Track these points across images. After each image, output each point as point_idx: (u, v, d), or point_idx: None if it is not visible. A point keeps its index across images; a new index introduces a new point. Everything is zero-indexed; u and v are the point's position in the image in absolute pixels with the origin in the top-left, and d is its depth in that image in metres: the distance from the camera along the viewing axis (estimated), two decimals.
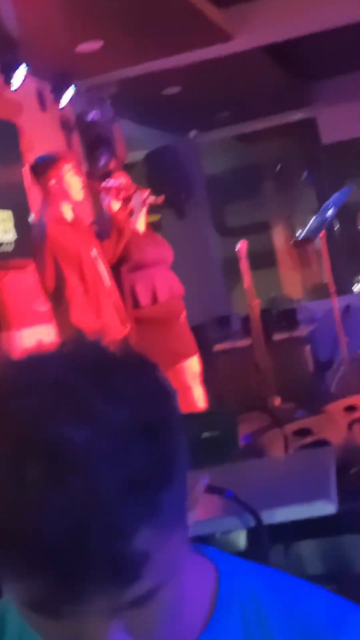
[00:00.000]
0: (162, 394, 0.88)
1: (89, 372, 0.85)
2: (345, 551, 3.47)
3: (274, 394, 6.59)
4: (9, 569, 0.82)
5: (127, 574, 0.81)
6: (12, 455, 0.81)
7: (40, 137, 7.03)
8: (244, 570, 1.04)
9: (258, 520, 2.34)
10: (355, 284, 10.35)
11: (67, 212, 5.33)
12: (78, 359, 0.87)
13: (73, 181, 5.31)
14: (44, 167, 5.33)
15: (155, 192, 6.26)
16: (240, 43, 7.10)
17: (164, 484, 0.83)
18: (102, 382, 0.84)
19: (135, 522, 0.81)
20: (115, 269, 5.64)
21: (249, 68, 7.98)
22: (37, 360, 0.89)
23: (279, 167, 11.03)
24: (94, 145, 7.58)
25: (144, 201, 5.88)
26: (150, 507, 0.82)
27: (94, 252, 5.35)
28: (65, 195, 5.28)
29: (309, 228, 6.52)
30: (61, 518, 0.78)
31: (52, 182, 5.27)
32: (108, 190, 5.86)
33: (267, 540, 2.35)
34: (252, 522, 2.40)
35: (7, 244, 6.15)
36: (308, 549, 3.39)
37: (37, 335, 6.03)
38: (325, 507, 2.47)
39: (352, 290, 10.25)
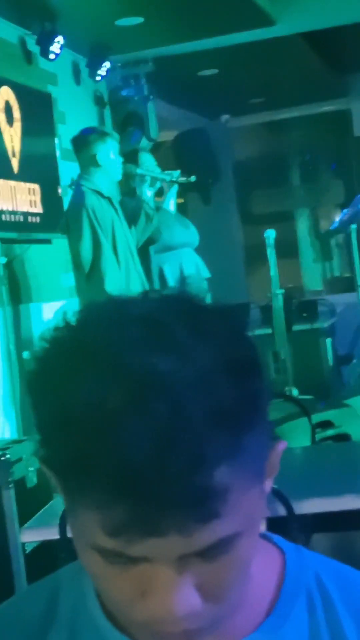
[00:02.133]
0: (248, 339, 0.87)
1: (175, 310, 0.85)
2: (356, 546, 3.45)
3: (292, 384, 6.56)
4: (88, 496, 0.81)
5: (205, 508, 0.80)
6: (96, 381, 0.80)
7: (73, 110, 6.98)
8: (311, 558, 1.03)
9: (290, 510, 2.30)
10: None
11: (104, 187, 5.31)
12: (163, 300, 0.88)
13: (115, 159, 5.31)
14: (90, 139, 5.30)
15: (184, 174, 6.23)
16: (282, 28, 7.02)
17: (247, 424, 0.82)
18: (189, 319, 0.84)
19: (217, 456, 0.79)
20: (141, 249, 5.62)
21: (287, 55, 7.92)
22: (123, 300, 0.89)
23: (307, 157, 10.96)
24: (126, 122, 7.54)
25: (175, 181, 5.85)
26: (232, 444, 0.80)
27: (125, 229, 5.33)
28: (106, 170, 5.27)
29: (341, 219, 6.47)
30: (143, 444, 0.78)
31: (96, 155, 5.24)
32: (143, 176, 5.82)
33: (297, 531, 2.31)
34: (280, 512, 2.36)
35: (33, 216, 6.10)
36: (320, 543, 3.36)
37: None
38: (354, 501, 2.44)
39: None
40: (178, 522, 0.79)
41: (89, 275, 5.16)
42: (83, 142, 5.36)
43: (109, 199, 5.35)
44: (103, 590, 0.89)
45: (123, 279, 5.14)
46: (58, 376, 0.83)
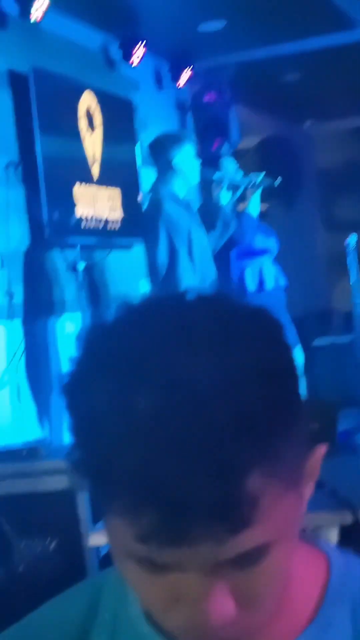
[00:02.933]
0: (284, 347, 0.85)
1: (210, 313, 0.83)
2: None
3: None
4: (117, 503, 0.80)
5: (236, 518, 0.78)
6: (125, 385, 0.79)
7: (154, 116, 7.00)
8: (357, 564, 0.99)
9: (356, 517, 2.25)
10: None
11: (182, 192, 5.31)
12: (198, 302, 0.86)
13: (192, 163, 5.29)
14: (166, 144, 5.30)
15: (267, 179, 6.19)
16: None
17: (280, 432, 0.80)
18: (224, 323, 0.82)
19: (247, 465, 0.78)
20: (223, 253, 5.59)
21: None
22: (158, 302, 0.88)
23: None
24: (208, 128, 7.53)
25: (258, 185, 5.81)
26: (264, 453, 0.79)
27: (202, 235, 5.32)
28: (183, 175, 5.26)
29: None
30: (171, 451, 0.76)
31: (172, 160, 5.23)
32: (221, 181, 5.80)
33: None
34: (348, 519, 2.31)
35: (113, 222, 6.13)
36: None
37: None
38: None
39: None
40: (208, 532, 0.78)
41: (164, 281, 5.16)
42: (159, 147, 5.36)
43: (187, 204, 5.34)
44: (139, 595, 0.89)
45: (198, 284, 5.12)
46: (88, 380, 0.82)
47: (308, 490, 0.90)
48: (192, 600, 0.82)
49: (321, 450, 0.90)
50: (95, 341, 0.85)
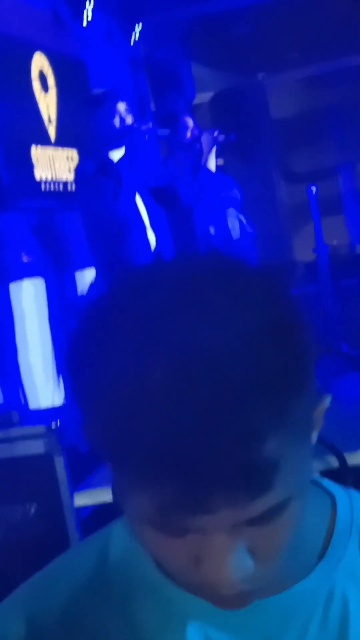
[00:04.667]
0: (293, 303, 0.84)
1: (213, 273, 0.82)
2: None
3: (341, 340, 6.49)
4: (136, 476, 0.79)
5: (258, 483, 0.78)
6: (137, 358, 0.77)
7: (107, 74, 6.93)
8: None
9: (343, 462, 2.27)
10: None
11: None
12: (200, 263, 0.85)
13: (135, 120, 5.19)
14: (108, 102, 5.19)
15: (223, 133, 6.16)
16: None
17: (295, 392, 0.79)
18: (228, 283, 0.81)
19: (267, 429, 0.77)
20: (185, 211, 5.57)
21: (321, 7, 7.78)
22: (158, 266, 0.86)
23: (348, 110, 10.80)
24: (162, 84, 7.48)
25: (213, 140, 5.78)
26: (281, 414, 0.78)
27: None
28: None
29: None
30: (187, 420, 0.75)
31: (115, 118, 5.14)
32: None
33: (350, 484, 2.28)
34: (333, 464, 2.33)
35: (72, 183, 6.08)
36: None
37: None
38: None
39: None
40: (229, 498, 0.78)
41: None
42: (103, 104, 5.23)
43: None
44: (157, 556, 0.89)
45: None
46: (99, 351, 0.80)
47: (313, 438, 0.90)
48: (212, 559, 0.82)
49: (326, 400, 0.90)
50: (101, 310, 0.83)
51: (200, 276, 0.81)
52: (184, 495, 0.77)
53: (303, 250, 8.68)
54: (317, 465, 2.43)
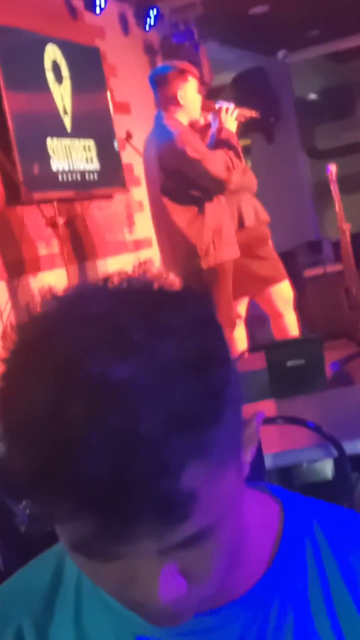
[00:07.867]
0: (211, 328, 0.84)
1: (133, 306, 0.82)
2: None
3: None
4: (55, 510, 0.80)
5: (174, 514, 0.78)
6: (52, 392, 0.78)
7: (123, 62, 6.92)
8: (310, 508, 1.01)
9: (340, 451, 2.28)
10: None
11: (185, 123, 5.18)
12: (123, 293, 0.84)
13: (195, 97, 5.17)
14: (168, 78, 5.15)
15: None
16: None
17: (212, 421, 0.79)
18: (147, 315, 0.81)
19: (181, 460, 0.77)
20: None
21: None
22: (81, 295, 0.86)
23: None
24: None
25: (234, 120, 5.70)
26: (197, 445, 0.78)
27: None
28: (186, 109, 5.14)
29: None
30: (103, 457, 0.75)
31: (175, 94, 5.11)
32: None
33: (349, 471, 2.29)
34: (335, 453, 2.35)
35: (90, 172, 6.10)
36: None
37: (121, 264, 6.00)
38: None
39: None
40: (148, 529, 0.78)
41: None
42: (163, 80, 5.22)
43: None
44: (93, 581, 0.88)
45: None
46: (17, 385, 0.81)
47: (248, 455, 0.90)
48: (142, 582, 0.83)
49: (258, 417, 0.90)
50: (20, 342, 0.83)
51: (117, 311, 0.81)
52: (103, 527, 0.78)
53: (331, 230, 8.63)
54: (319, 454, 2.45)
